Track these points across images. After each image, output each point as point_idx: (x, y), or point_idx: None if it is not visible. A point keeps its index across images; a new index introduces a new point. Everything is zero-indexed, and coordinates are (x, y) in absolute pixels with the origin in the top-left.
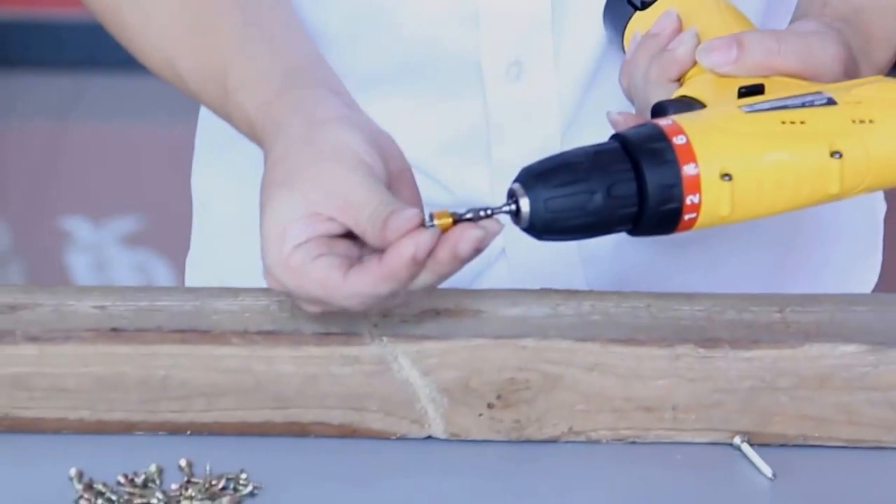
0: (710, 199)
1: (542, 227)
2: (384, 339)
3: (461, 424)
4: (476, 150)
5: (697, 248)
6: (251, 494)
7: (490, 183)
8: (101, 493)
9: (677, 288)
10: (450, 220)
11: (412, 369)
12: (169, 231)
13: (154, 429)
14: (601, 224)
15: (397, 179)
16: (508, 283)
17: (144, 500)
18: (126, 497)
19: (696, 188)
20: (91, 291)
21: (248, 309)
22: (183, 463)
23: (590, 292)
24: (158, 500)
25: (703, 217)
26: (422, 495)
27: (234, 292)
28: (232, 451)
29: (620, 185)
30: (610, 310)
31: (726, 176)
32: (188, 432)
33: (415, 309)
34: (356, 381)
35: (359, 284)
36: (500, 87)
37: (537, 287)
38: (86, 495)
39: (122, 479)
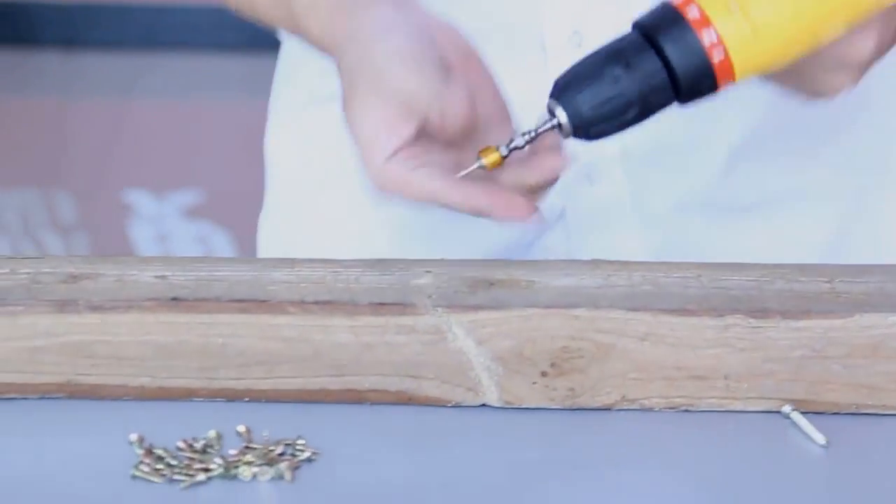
0: (727, 31)
1: (585, 125)
2: (439, 309)
3: (515, 392)
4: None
5: (756, 213)
6: (309, 460)
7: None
8: (161, 458)
9: (735, 255)
10: (497, 156)
11: (466, 339)
12: (228, 204)
13: (213, 396)
14: (639, 100)
15: (463, 66)
16: (566, 246)
17: (203, 466)
18: (186, 462)
19: (707, 23)
20: (152, 262)
21: (305, 279)
22: (241, 429)
23: (640, 263)
24: (217, 465)
25: (735, 53)
26: (477, 461)
27: (291, 263)
28: (290, 418)
29: (637, 57)
30: (660, 280)
31: (734, 5)
32: (246, 399)
33: (468, 280)
34: (412, 349)
35: (465, 195)
36: (561, 55)
37: (597, 252)
38: (146, 460)
39: (181, 445)
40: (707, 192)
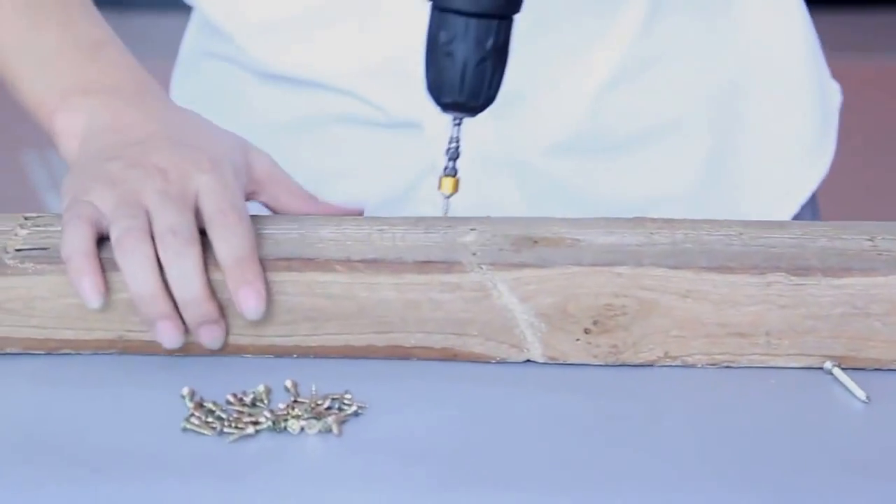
0: None
1: (474, 104)
2: (483, 267)
3: (559, 349)
4: (409, 69)
5: (626, 150)
6: (355, 414)
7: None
8: (211, 412)
9: (610, 193)
10: (451, 180)
11: (511, 296)
12: None
13: (261, 352)
14: (482, 49)
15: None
16: (440, 197)
17: (253, 419)
18: (235, 415)
19: None
20: None
21: (350, 237)
22: (289, 384)
23: (682, 221)
24: (266, 418)
25: None
26: (520, 417)
27: (337, 221)
28: (336, 373)
29: (447, 26)
30: (703, 238)
31: None
32: (294, 355)
33: (512, 238)
34: (457, 307)
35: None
36: (423, 12)
37: (475, 200)
38: (197, 413)
39: (231, 399)
40: (576, 133)
